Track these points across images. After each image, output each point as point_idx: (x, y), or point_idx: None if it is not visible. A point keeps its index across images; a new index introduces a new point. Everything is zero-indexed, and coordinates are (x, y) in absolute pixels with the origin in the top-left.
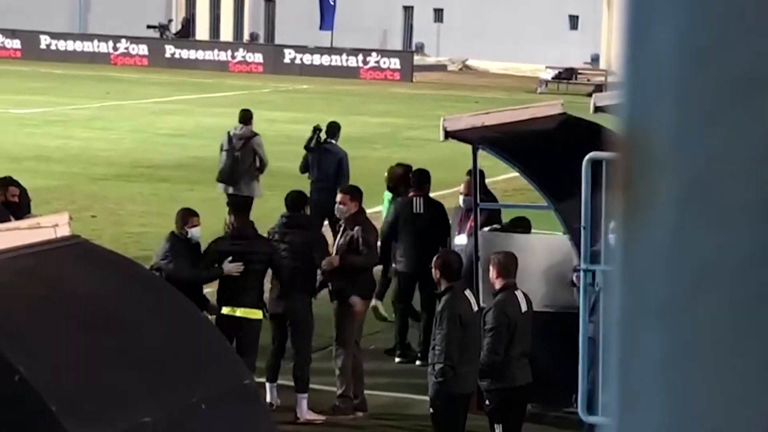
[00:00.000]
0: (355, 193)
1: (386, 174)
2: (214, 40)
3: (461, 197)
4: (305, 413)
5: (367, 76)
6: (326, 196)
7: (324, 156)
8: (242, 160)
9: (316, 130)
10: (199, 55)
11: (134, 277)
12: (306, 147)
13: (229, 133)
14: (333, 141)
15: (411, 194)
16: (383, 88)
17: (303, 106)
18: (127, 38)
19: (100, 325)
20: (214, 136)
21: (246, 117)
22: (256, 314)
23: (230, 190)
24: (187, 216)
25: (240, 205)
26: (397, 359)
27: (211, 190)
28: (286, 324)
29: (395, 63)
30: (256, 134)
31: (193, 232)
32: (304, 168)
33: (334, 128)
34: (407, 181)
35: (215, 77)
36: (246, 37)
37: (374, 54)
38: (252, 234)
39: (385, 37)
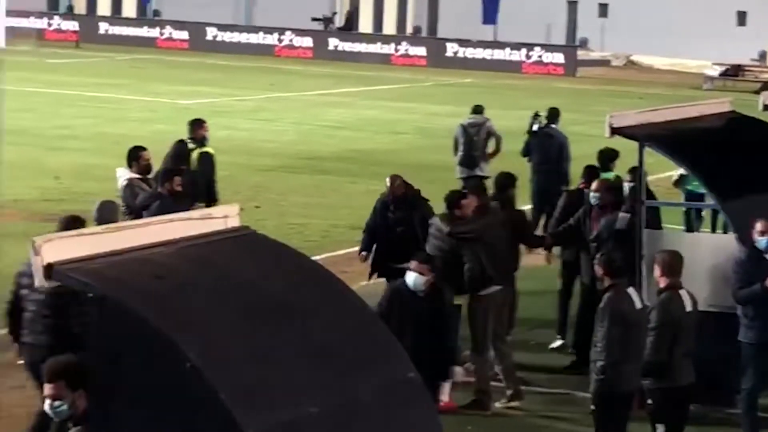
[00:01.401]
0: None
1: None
2: (378, 34)
3: (591, 194)
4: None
5: (530, 70)
6: (547, 179)
7: (545, 140)
8: (478, 145)
9: (536, 115)
10: (362, 48)
11: (302, 269)
12: (528, 132)
13: (462, 124)
14: (554, 126)
15: (581, 186)
16: (546, 82)
17: (465, 99)
18: (292, 30)
19: (270, 314)
20: (376, 129)
21: (478, 109)
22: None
23: (468, 173)
24: None
25: (479, 187)
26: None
27: (373, 182)
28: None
29: (558, 57)
30: (487, 119)
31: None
32: (526, 152)
33: (554, 113)
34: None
35: (378, 70)
36: (409, 30)
37: (537, 48)
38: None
39: (548, 31)
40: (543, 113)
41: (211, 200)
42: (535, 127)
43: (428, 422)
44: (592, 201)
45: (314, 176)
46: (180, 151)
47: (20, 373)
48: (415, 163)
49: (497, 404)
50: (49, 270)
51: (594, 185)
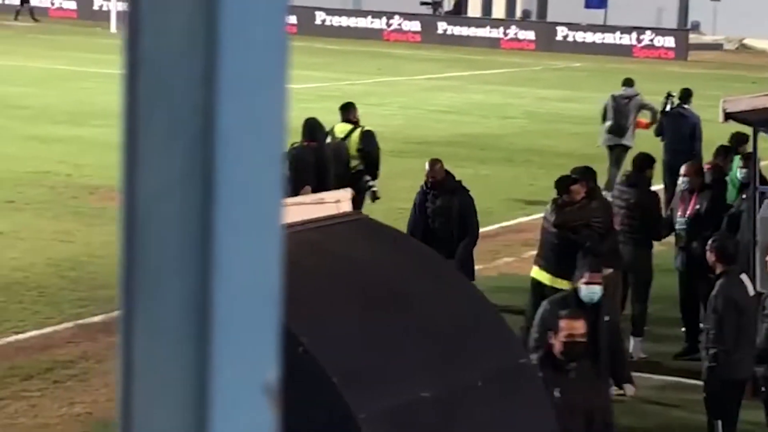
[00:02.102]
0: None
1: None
2: (487, 18)
3: (681, 179)
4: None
5: (641, 54)
6: (679, 159)
7: (678, 120)
8: (626, 116)
9: (668, 96)
10: (471, 32)
11: (414, 253)
12: (661, 112)
13: (613, 94)
14: (686, 106)
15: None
16: (657, 66)
17: (574, 84)
18: (400, 15)
19: (382, 299)
20: (484, 113)
21: (630, 82)
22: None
23: (616, 142)
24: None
25: (588, 172)
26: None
27: (482, 167)
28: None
29: (670, 41)
30: (638, 93)
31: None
32: (659, 131)
33: (687, 94)
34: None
35: (487, 54)
36: (518, 14)
37: (648, 32)
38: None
39: (659, 14)
40: (675, 93)
41: (375, 177)
42: (667, 107)
43: (539, 407)
44: (682, 185)
45: (422, 160)
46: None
47: None
48: (524, 148)
49: None
50: None
51: (683, 169)
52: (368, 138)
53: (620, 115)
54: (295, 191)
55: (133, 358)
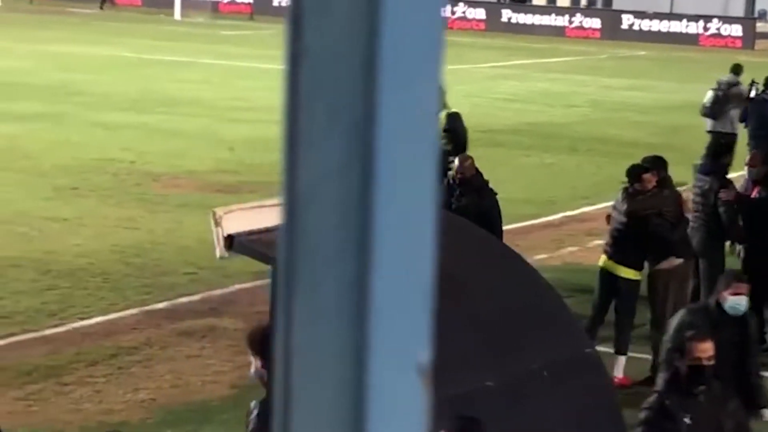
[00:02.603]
0: None
1: None
2: (551, 5)
3: (746, 168)
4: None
5: (707, 43)
6: (763, 145)
7: (762, 107)
8: (725, 101)
9: (752, 83)
10: (536, 20)
11: (478, 241)
12: (746, 98)
13: (719, 81)
14: None
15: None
16: (724, 55)
17: (639, 72)
18: (465, 2)
19: (444, 287)
20: (549, 101)
21: (737, 69)
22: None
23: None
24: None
25: (659, 161)
26: None
27: (546, 156)
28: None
29: (737, 30)
30: (739, 83)
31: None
32: (743, 117)
33: None
34: None
35: (551, 42)
36: (583, 2)
37: (715, 20)
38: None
39: (726, 3)
40: (760, 81)
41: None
42: (752, 94)
43: (603, 398)
44: (750, 175)
45: (487, 149)
46: None
47: (196, 342)
48: (589, 137)
49: None
50: (230, 241)
51: (749, 159)
52: (454, 119)
53: (725, 101)
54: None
55: (292, 339)
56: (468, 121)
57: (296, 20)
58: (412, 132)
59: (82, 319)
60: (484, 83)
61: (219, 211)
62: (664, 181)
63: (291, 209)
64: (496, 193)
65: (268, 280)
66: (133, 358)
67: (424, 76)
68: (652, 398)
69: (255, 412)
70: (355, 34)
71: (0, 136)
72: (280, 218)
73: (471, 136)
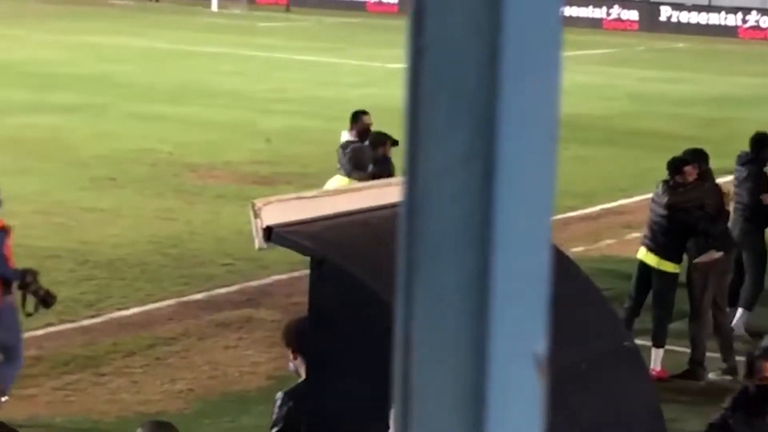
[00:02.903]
0: None
1: None
2: None
3: None
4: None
5: (746, 35)
6: None
7: None
8: None
9: None
10: (573, 11)
11: None
12: None
13: None
14: None
15: None
16: (763, 48)
17: (677, 64)
18: None
19: None
20: (586, 94)
21: None
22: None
23: None
24: None
25: (700, 154)
26: None
27: (583, 148)
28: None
29: None
30: None
31: None
32: None
33: None
34: None
35: (588, 34)
36: None
37: (754, 12)
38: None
39: None
40: None
41: None
42: None
43: (641, 391)
44: None
45: None
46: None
47: (233, 333)
48: (626, 130)
49: (711, 375)
50: (269, 232)
51: None
52: None
53: None
54: None
55: (412, 330)
56: None
57: (419, 16)
58: (533, 124)
59: (120, 309)
60: None
61: (258, 202)
62: (705, 174)
63: (412, 202)
64: None
65: (305, 271)
66: (170, 348)
67: (544, 69)
68: (716, 416)
69: (278, 403)
70: (478, 29)
71: (40, 127)
72: (400, 211)
73: None
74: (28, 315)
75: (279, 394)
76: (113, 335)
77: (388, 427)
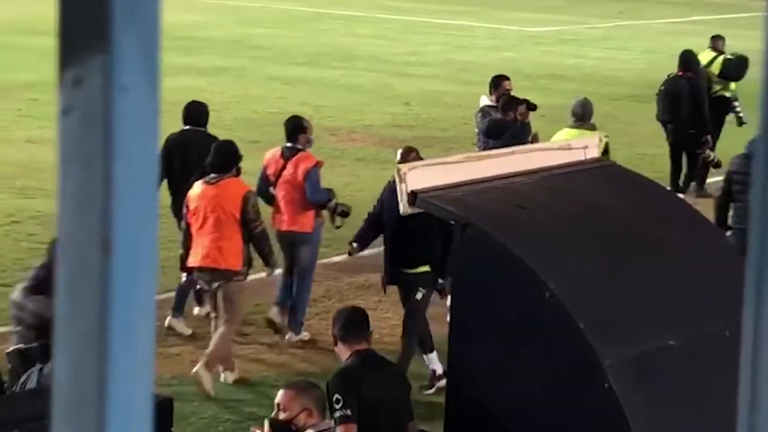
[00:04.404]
0: None
1: None
2: None
3: None
4: None
5: None
6: None
7: None
8: None
9: None
10: None
11: (662, 201)
12: None
13: None
14: None
15: None
16: None
17: None
18: None
19: (628, 246)
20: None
21: None
22: None
23: None
24: None
25: None
26: None
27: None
28: None
29: None
30: None
31: None
32: None
33: None
34: None
35: None
36: None
37: None
38: None
39: None
40: None
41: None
42: None
43: None
44: None
45: None
46: None
47: (373, 296)
48: None
49: None
50: (414, 197)
51: None
52: (730, 65)
53: None
54: (672, 119)
55: (763, 327)
56: (646, 77)
57: None
58: None
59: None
60: (663, 39)
61: (403, 167)
62: None
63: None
64: None
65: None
66: (311, 310)
67: None
68: None
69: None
70: None
71: (183, 89)
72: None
73: (648, 92)
74: (338, 228)
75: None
76: (256, 296)
77: (523, 392)
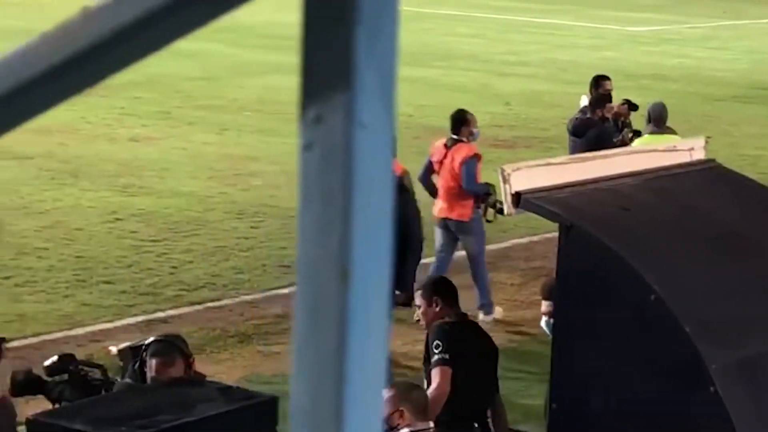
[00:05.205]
0: None
1: None
2: None
3: None
4: None
5: None
6: None
7: None
8: None
9: None
10: None
11: (766, 203)
12: None
13: None
14: None
15: None
16: None
17: None
18: None
19: (733, 248)
20: None
21: None
22: None
23: None
24: None
25: None
26: None
27: None
28: None
29: None
30: None
31: None
32: None
33: None
34: None
35: None
36: None
37: None
38: None
39: None
40: None
41: None
42: None
43: None
44: None
45: (765, 107)
46: None
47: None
48: None
49: None
50: (517, 198)
51: None
52: None
53: None
54: None
55: None
56: (749, 77)
57: None
58: None
59: None
60: (766, 39)
61: (507, 168)
62: None
63: None
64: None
65: (544, 236)
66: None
67: None
68: None
69: None
70: None
71: (281, 88)
72: None
73: (752, 93)
74: (488, 222)
75: None
76: None
77: (627, 395)
